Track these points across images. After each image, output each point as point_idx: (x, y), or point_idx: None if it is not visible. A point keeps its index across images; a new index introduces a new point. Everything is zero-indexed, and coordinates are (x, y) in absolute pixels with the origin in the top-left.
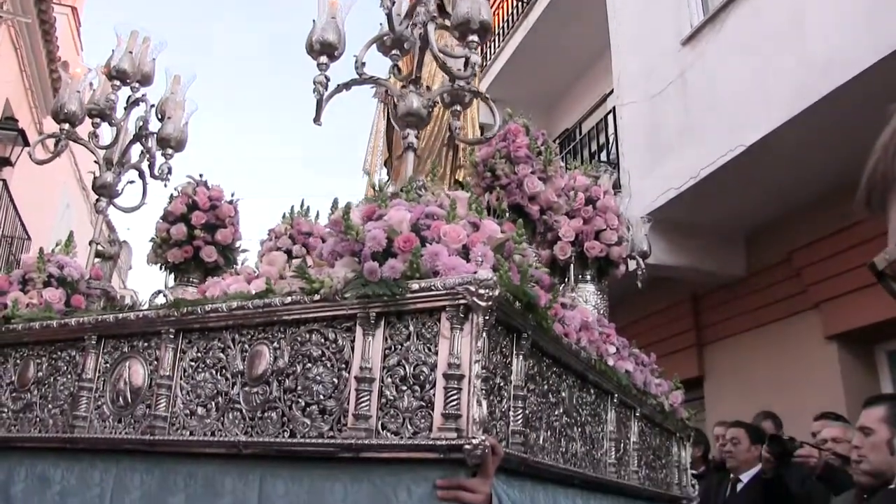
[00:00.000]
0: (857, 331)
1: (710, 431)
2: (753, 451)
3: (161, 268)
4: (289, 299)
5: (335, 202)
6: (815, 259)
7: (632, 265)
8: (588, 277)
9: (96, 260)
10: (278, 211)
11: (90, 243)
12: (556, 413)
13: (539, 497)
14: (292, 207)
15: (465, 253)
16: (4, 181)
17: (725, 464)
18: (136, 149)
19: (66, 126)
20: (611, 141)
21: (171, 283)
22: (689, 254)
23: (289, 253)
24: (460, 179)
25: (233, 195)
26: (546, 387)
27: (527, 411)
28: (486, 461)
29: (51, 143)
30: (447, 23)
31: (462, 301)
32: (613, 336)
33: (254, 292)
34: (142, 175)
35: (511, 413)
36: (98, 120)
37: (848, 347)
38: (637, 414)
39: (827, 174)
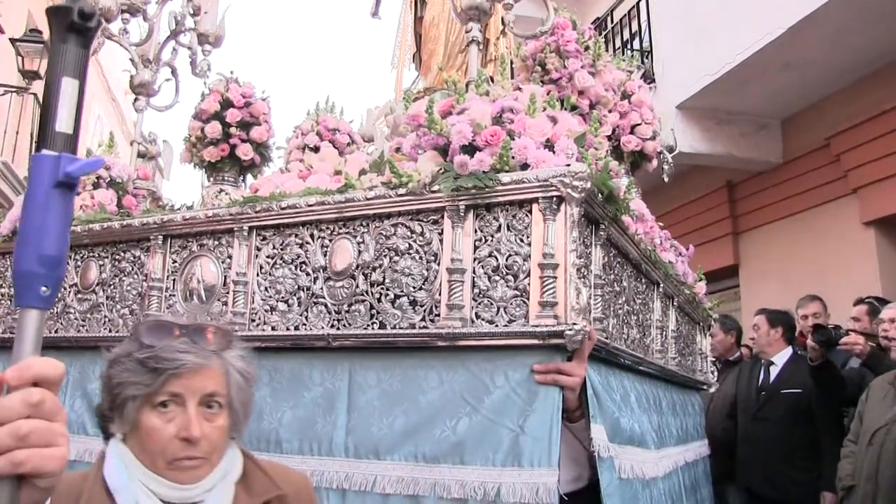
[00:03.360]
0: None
1: (745, 319)
2: (773, 335)
3: (195, 166)
4: (372, 193)
5: (407, 94)
6: (853, 144)
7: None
8: (623, 171)
9: (138, 160)
10: (297, 107)
11: (131, 143)
12: (620, 301)
13: (612, 381)
14: (317, 104)
15: (547, 145)
16: (35, 95)
17: None
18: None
19: (102, 22)
20: (643, 29)
21: (206, 181)
22: (724, 141)
23: (316, 149)
24: (490, 75)
25: (263, 92)
26: (612, 276)
27: (604, 299)
28: (583, 346)
29: None
30: None
31: (555, 193)
32: (656, 228)
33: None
34: (174, 72)
35: (591, 301)
36: (128, 16)
37: (886, 233)
38: (675, 303)
39: (865, 58)
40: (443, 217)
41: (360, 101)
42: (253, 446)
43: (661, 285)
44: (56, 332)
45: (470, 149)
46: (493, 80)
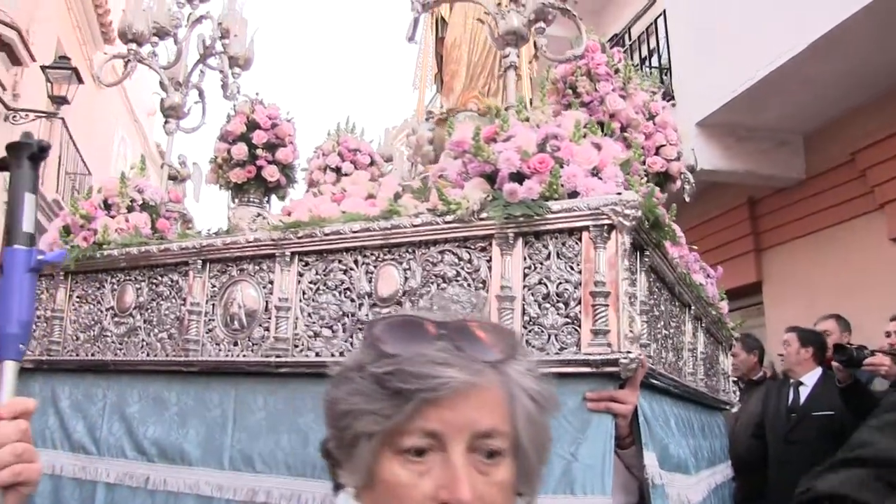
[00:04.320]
0: None
1: (769, 337)
2: (804, 354)
3: (220, 187)
4: (419, 220)
5: (447, 120)
6: (879, 159)
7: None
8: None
9: (169, 182)
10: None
11: (161, 166)
12: (659, 326)
13: (654, 406)
14: (338, 124)
15: (593, 172)
16: (63, 119)
17: None
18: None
19: (134, 46)
20: (661, 46)
21: (231, 202)
22: (745, 158)
23: (337, 170)
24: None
25: (288, 113)
26: (653, 301)
27: (648, 324)
28: (636, 373)
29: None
30: None
31: (606, 221)
32: (688, 251)
33: (361, 213)
34: (201, 94)
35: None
36: (156, 39)
37: None
38: (703, 324)
39: (888, 72)
40: (491, 244)
41: (375, 119)
42: (298, 471)
43: (693, 307)
44: (93, 355)
45: (517, 176)
46: (531, 104)
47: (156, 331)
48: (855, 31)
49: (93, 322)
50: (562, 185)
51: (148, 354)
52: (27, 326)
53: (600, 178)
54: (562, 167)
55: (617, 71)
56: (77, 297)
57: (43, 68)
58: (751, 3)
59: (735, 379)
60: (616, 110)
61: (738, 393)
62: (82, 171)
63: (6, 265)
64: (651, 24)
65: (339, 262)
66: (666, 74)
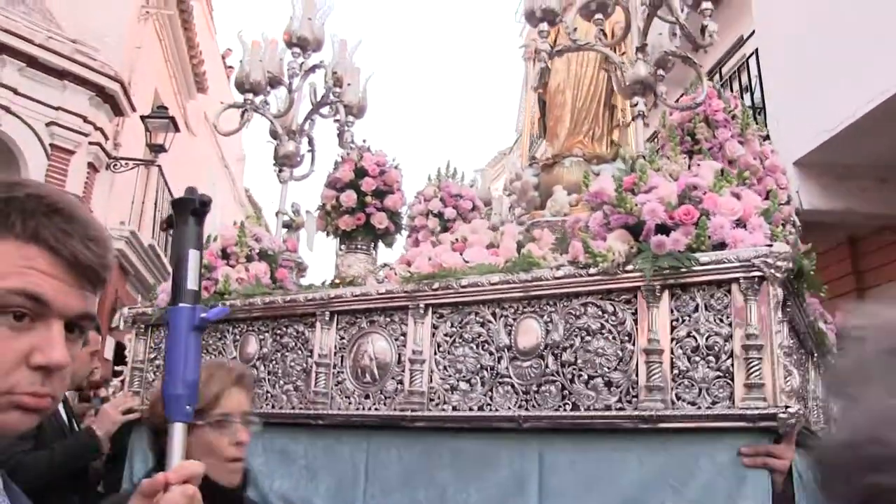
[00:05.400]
0: None
1: None
2: None
3: (328, 234)
4: (560, 273)
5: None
6: None
7: None
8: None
9: (283, 231)
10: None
11: (276, 214)
12: None
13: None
14: (438, 169)
15: (737, 223)
16: (159, 167)
17: None
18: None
19: (250, 96)
20: (754, 84)
21: (339, 249)
22: (844, 196)
23: (440, 215)
24: (616, 140)
25: (394, 159)
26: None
27: None
28: (793, 428)
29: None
30: None
31: (757, 273)
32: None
33: (497, 264)
34: (311, 142)
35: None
36: (269, 88)
37: None
38: (821, 372)
39: None
40: (636, 297)
41: (466, 159)
42: None
43: (815, 355)
44: None
45: (661, 227)
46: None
47: (281, 382)
48: None
49: None
50: (709, 237)
51: (273, 407)
52: (194, 386)
53: (745, 229)
54: (708, 218)
55: (734, 117)
56: None
57: (143, 118)
58: (846, 40)
59: None
60: (736, 156)
61: None
62: None
63: (172, 324)
64: (742, 61)
65: (476, 314)
66: (759, 113)
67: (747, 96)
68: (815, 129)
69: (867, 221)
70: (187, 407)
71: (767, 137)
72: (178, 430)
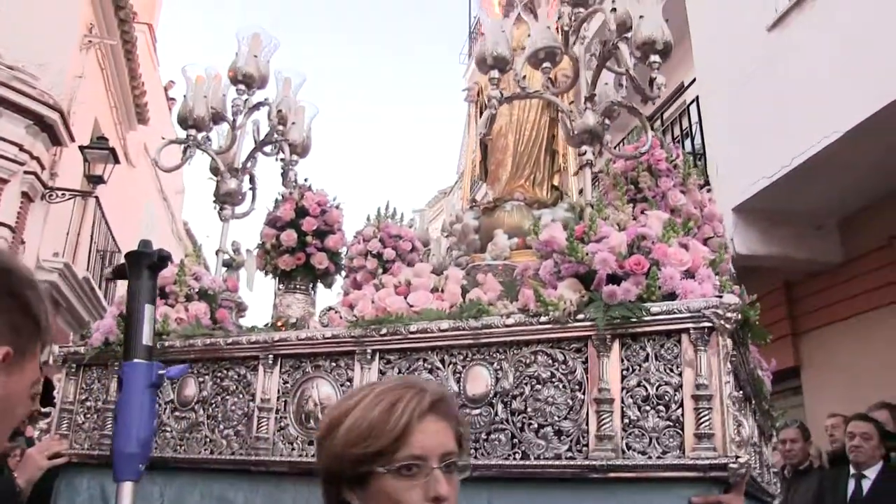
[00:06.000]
0: None
1: (810, 422)
2: (881, 449)
3: (266, 274)
4: (511, 320)
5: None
6: None
7: None
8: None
9: (224, 269)
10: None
11: (216, 253)
12: None
13: None
14: (378, 209)
15: (686, 273)
16: (97, 198)
17: (847, 457)
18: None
19: (193, 132)
20: (695, 131)
21: (278, 289)
22: (781, 242)
23: (379, 256)
24: (556, 184)
25: (335, 199)
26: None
27: None
28: (742, 478)
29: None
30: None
31: (707, 324)
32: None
33: (444, 309)
34: (252, 180)
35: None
36: (211, 125)
37: None
38: (757, 418)
39: None
40: (586, 345)
41: (403, 199)
42: None
43: (752, 401)
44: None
45: (612, 277)
46: (559, 191)
47: (221, 427)
48: (882, 125)
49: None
50: (659, 287)
51: (212, 452)
52: (147, 445)
53: (693, 279)
54: (658, 269)
55: (676, 166)
56: None
57: (81, 148)
58: (785, 91)
59: (777, 470)
60: (678, 205)
61: (778, 484)
62: (113, 249)
63: (126, 379)
64: (683, 108)
65: (425, 360)
66: (699, 158)
67: (688, 142)
68: (754, 176)
69: (803, 267)
70: (139, 466)
71: (706, 184)
72: (127, 490)
